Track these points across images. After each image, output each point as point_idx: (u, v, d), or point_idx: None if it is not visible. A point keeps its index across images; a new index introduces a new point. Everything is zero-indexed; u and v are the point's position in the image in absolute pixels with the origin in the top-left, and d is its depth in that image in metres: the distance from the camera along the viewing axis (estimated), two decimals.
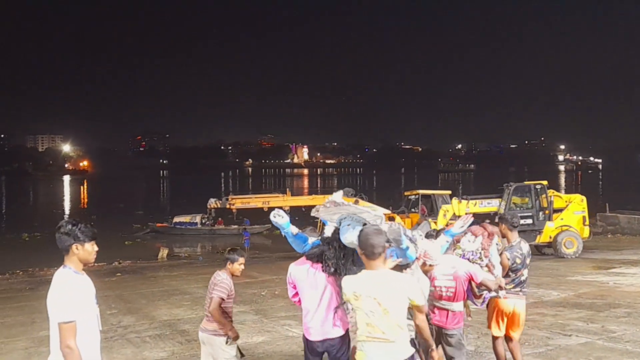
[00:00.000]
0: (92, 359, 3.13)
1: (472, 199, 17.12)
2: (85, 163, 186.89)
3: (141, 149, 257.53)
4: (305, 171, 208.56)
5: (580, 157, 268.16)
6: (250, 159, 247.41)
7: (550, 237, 16.46)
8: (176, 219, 31.69)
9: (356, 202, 18.19)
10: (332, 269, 4.13)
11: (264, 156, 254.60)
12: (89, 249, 3.16)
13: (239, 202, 22.19)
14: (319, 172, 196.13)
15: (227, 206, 22.38)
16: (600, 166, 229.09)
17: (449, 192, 19.30)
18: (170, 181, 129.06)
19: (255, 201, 22.37)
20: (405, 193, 20.49)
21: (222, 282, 4.81)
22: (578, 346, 6.96)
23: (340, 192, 4.46)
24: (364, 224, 4.10)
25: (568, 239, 16.14)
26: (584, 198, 17.19)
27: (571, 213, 16.72)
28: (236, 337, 4.80)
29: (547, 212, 16.51)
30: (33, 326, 9.61)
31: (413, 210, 18.92)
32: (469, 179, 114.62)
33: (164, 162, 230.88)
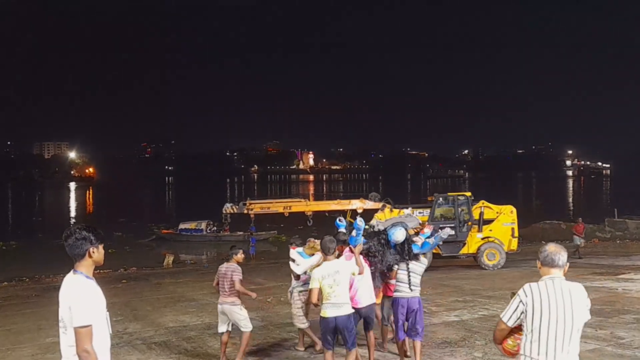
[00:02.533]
0: None
1: (403, 207, 17.05)
2: (91, 170, 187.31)
3: (147, 155, 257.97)
4: (311, 177, 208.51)
5: (588, 162, 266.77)
6: (255, 165, 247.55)
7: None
8: (181, 226, 31.72)
9: (383, 207, 18.56)
10: (379, 257, 6.65)
11: (269, 162, 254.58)
12: (102, 251, 3.28)
13: (257, 207, 20.44)
14: (324, 178, 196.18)
15: (245, 211, 20.24)
16: (608, 171, 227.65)
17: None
18: (176, 188, 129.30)
19: (275, 206, 20.63)
20: (430, 198, 20.86)
21: (237, 269, 6.93)
22: (587, 352, 6.89)
23: (409, 209, 11.10)
24: (405, 228, 6.73)
25: (490, 250, 16.14)
26: (514, 210, 16.99)
27: (500, 224, 16.61)
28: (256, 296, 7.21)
29: (469, 223, 16.44)
30: (40, 333, 9.64)
31: None
32: (458, 185, 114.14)
33: (170, 168, 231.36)
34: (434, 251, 15.60)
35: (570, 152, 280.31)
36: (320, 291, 5.54)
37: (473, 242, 16.47)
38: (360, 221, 6.47)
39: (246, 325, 6.88)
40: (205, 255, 27.11)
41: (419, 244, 6.75)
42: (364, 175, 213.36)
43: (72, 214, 61.58)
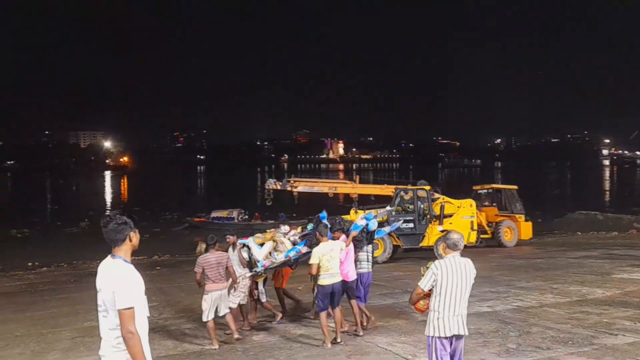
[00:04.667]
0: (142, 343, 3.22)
1: (367, 209, 17.10)
2: (125, 159, 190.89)
3: (179, 145, 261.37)
4: (341, 166, 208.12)
5: (626, 152, 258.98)
6: (285, 155, 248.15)
7: None
8: (213, 214, 32.11)
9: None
10: (361, 244, 8.16)
11: (299, 151, 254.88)
12: (139, 236, 3.38)
13: (302, 185, 20.06)
14: (354, 167, 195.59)
15: (288, 188, 19.83)
16: None
17: (516, 187, 20.40)
18: (207, 176, 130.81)
19: (320, 185, 20.37)
20: (474, 187, 21.14)
21: (229, 257, 7.83)
22: (625, 346, 6.73)
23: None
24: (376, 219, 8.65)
25: None
26: (474, 203, 17.35)
27: (459, 218, 16.91)
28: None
29: (428, 216, 16.71)
30: (77, 317, 9.92)
31: (485, 204, 20.07)
32: (475, 175, 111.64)
33: (201, 157, 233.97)
34: (395, 243, 16.54)
35: (607, 141, 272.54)
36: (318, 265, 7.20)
37: (433, 234, 16.66)
38: (373, 217, 8.56)
39: (227, 308, 7.74)
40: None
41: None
42: (394, 165, 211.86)
43: (107, 201, 62.94)
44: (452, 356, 4.56)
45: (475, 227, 17.05)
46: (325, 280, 7.21)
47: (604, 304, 9.12)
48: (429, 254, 16.60)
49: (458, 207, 17.10)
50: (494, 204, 20.15)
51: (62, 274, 16.75)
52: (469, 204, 17.23)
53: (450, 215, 16.96)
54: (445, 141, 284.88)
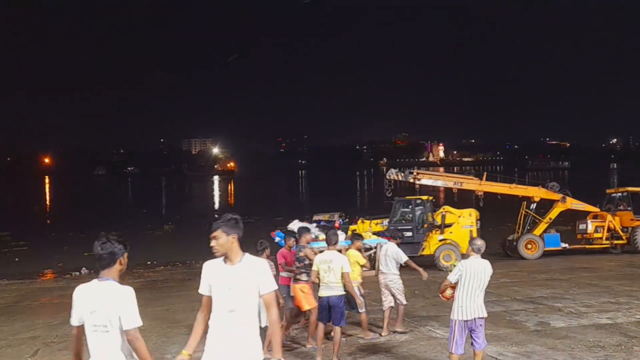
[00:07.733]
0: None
1: (373, 218, 17.77)
2: (232, 164, 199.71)
3: (281, 150, 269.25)
4: (441, 169, 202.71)
5: None
6: (385, 158, 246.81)
7: None
8: (315, 217, 32.67)
9: (563, 199, 18.42)
10: None
11: (398, 155, 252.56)
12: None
13: (426, 177, 19.90)
14: (455, 170, 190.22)
15: (411, 180, 19.60)
16: None
17: None
18: (309, 180, 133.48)
19: (445, 179, 20.19)
20: (608, 191, 20.37)
21: (269, 265, 7.62)
22: None
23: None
24: None
25: (446, 252, 16.39)
26: (474, 212, 17.11)
27: (460, 227, 16.90)
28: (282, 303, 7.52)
29: (425, 225, 16.80)
30: (193, 313, 10.38)
31: (620, 208, 19.25)
32: (563, 178, 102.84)
33: (303, 162, 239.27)
34: None
35: None
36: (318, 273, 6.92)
37: (432, 243, 16.68)
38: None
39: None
40: None
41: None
42: (498, 167, 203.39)
43: (214, 205, 66.22)
44: (476, 334, 5.59)
45: (475, 235, 16.24)
46: (321, 292, 6.93)
47: None
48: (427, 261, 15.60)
49: (459, 216, 17.09)
50: (629, 208, 18.96)
51: (178, 272, 17.90)
52: (468, 214, 17.13)
53: (451, 225, 17.01)
54: (554, 142, 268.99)
